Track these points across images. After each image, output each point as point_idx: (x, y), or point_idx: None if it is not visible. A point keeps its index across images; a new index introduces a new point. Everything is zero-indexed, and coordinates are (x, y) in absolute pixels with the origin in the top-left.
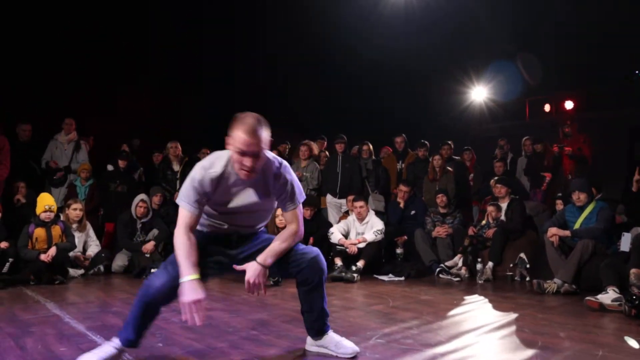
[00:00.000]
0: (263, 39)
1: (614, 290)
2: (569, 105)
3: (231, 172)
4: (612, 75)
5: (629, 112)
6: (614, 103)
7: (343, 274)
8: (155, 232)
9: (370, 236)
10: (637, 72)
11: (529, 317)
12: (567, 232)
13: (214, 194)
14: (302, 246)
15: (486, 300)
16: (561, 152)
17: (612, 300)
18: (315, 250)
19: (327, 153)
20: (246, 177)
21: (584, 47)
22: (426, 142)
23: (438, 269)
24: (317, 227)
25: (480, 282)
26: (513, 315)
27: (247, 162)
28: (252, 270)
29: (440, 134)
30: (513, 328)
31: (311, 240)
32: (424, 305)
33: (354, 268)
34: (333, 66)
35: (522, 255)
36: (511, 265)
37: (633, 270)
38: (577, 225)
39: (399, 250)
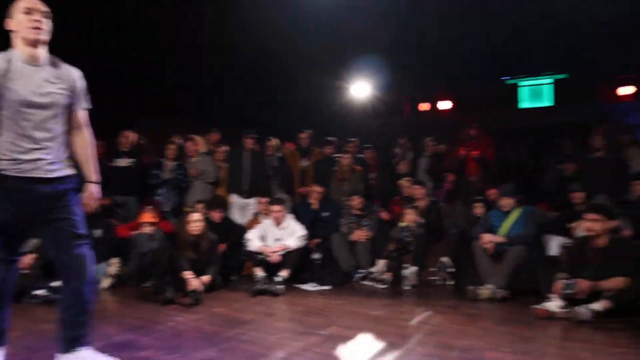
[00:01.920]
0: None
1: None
2: (445, 105)
3: (13, 57)
4: (484, 79)
5: (495, 114)
6: (484, 105)
7: (267, 286)
8: (35, 241)
9: (293, 242)
10: (504, 78)
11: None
12: (502, 238)
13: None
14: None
15: (438, 311)
16: (468, 155)
17: (560, 308)
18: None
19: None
20: (36, 35)
21: (457, 49)
22: (334, 139)
23: (359, 275)
24: (227, 232)
25: (406, 288)
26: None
27: (36, 16)
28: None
29: (329, 131)
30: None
31: (222, 247)
32: (386, 325)
33: (278, 279)
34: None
35: (444, 259)
36: (433, 269)
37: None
38: (503, 230)
39: (316, 256)
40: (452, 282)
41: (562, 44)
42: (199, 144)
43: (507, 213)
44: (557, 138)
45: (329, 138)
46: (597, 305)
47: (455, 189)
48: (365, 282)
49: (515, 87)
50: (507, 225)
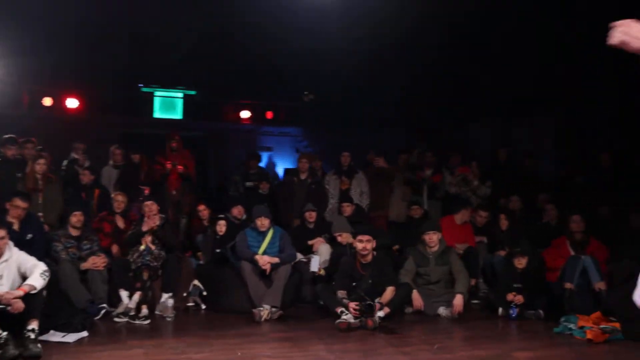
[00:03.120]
0: None
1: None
2: (72, 103)
3: None
4: (118, 82)
5: (128, 120)
6: (117, 109)
7: (14, 351)
8: None
9: (37, 281)
10: (141, 85)
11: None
12: (277, 259)
13: None
14: None
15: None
16: (174, 169)
17: (355, 319)
18: None
19: None
20: None
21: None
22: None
23: (106, 311)
24: None
25: (169, 319)
26: None
27: None
28: None
29: None
30: None
31: None
32: None
33: (30, 335)
34: None
35: (196, 282)
36: (184, 294)
37: (340, 292)
38: (262, 250)
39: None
40: (204, 307)
41: (197, 62)
42: None
43: (263, 233)
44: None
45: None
46: (381, 313)
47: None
48: (119, 319)
49: (151, 96)
50: (264, 245)
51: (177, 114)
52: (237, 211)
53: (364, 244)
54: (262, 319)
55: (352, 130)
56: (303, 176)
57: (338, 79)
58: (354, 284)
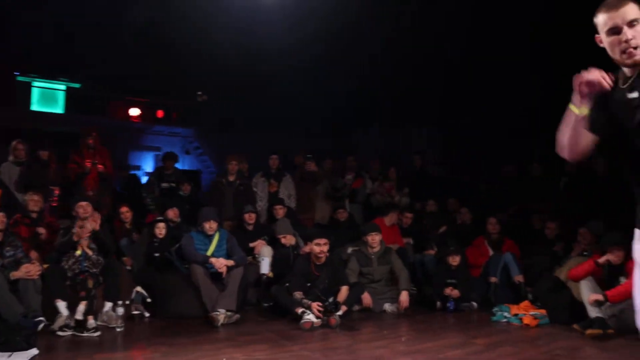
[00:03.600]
0: None
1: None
2: None
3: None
4: None
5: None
6: None
7: None
8: None
9: None
10: (17, 73)
11: None
12: (232, 262)
13: None
14: None
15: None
16: (93, 168)
17: (317, 318)
18: None
19: None
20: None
21: None
22: None
23: (41, 324)
24: None
25: (119, 329)
26: None
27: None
28: None
29: None
30: None
31: None
32: None
33: None
34: None
35: (139, 288)
36: (127, 302)
37: (297, 293)
38: (209, 253)
39: None
40: (148, 315)
41: (83, 52)
42: None
43: (210, 236)
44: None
45: None
46: (340, 312)
47: (64, 205)
48: (64, 333)
49: (29, 87)
50: (212, 248)
51: (59, 108)
52: (173, 213)
53: (322, 247)
54: (220, 323)
55: (247, 132)
56: (231, 178)
57: (232, 81)
58: (308, 284)
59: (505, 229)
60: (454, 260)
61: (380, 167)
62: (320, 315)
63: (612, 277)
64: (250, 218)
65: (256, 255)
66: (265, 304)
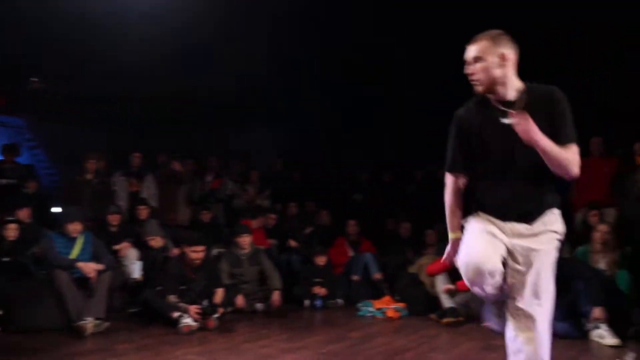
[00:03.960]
0: None
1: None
2: None
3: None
4: None
5: None
6: None
7: None
8: None
9: None
10: None
11: None
12: (102, 266)
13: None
14: None
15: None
16: None
17: (195, 322)
18: None
19: None
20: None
21: None
22: None
23: None
24: None
25: None
26: None
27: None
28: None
29: None
30: None
31: None
32: None
33: None
34: None
35: None
36: None
37: (171, 297)
38: (73, 256)
39: None
40: None
41: None
42: None
43: (73, 239)
44: None
45: None
46: (217, 315)
47: None
48: None
49: None
50: (76, 251)
51: None
52: (24, 214)
53: (198, 255)
54: (88, 332)
55: (83, 125)
56: (89, 176)
57: (73, 66)
58: (182, 287)
59: (363, 230)
60: (321, 260)
61: (241, 168)
62: (198, 318)
63: None
64: (114, 219)
65: (121, 259)
66: (132, 310)
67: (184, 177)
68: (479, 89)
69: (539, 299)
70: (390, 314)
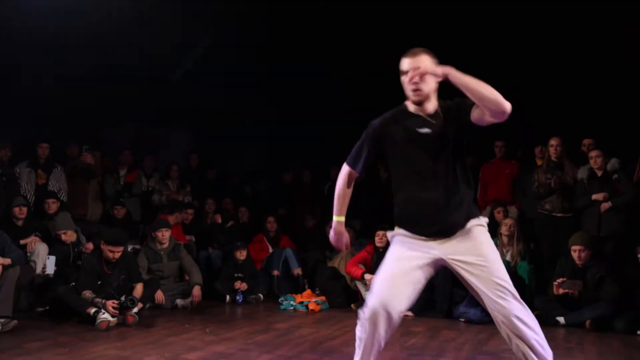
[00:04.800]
0: None
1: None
2: None
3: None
4: None
5: None
6: None
7: None
8: None
9: None
10: None
11: None
12: (8, 261)
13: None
14: None
15: None
16: None
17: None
18: None
19: None
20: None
21: None
22: None
23: None
24: None
25: None
26: None
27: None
28: None
29: None
30: None
31: None
32: None
33: None
34: None
35: None
36: None
37: (87, 292)
38: None
39: None
40: None
41: None
42: None
43: None
44: None
45: None
46: (136, 309)
47: None
48: None
49: None
50: None
51: None
52: None
53: (115, 255)
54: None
55: None
56: None
57: None
58: (99, 282)
59: (282, 226)
60: (241, 254)
61: (154, 163)
62: (116, 313)
63: (380, 261)
64: (20, 212)
65: (28, 254)
66: (40, 309)
67: (95, 170)
68: (416, 98)
69: (502, 292)
70: (311, 306)
